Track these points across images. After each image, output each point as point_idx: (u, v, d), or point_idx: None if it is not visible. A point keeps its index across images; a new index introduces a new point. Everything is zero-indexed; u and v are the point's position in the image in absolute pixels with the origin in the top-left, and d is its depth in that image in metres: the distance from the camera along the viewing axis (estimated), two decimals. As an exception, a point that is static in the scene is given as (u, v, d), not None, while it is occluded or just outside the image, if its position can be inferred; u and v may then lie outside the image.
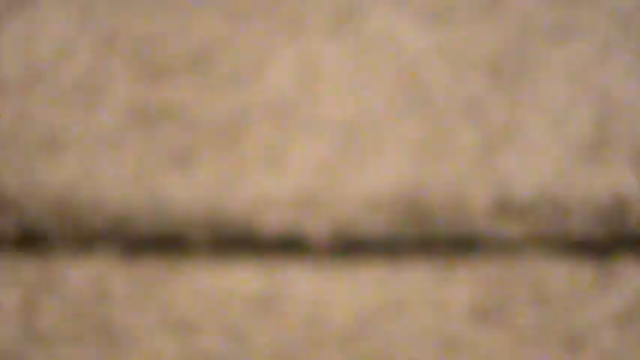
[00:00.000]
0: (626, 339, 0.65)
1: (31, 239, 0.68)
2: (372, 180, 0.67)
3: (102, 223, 0.67)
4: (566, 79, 0.69)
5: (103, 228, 0.68)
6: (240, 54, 0.71)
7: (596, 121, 0.69)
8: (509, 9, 0.72)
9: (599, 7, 0.72)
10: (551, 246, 0.67)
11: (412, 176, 0.67)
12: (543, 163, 0.67)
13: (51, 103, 0.69)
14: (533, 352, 0.65)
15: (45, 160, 0.68)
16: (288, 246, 0.68)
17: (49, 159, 0.68)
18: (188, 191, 0.67)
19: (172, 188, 0.67)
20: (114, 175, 0.68)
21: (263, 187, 0.67)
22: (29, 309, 0.66)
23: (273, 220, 0.67)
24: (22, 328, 0.65)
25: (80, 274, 0.67)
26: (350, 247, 0.67)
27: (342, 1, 0.71)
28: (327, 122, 0.69)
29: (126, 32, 0.72)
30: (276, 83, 0.70)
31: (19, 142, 0.68)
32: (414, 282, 0.66)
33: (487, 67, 0.70)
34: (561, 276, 0.66)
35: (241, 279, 0.66)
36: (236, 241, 0.67)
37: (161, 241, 0.67)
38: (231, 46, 0.71)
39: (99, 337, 0.65)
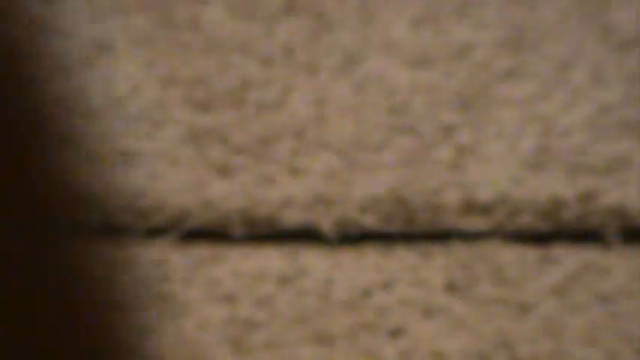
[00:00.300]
0: (563, 306, 0.62)
1: (110, 229, 0.69)
2: (370, 186, 0.66)
3: (164, 217, 0.66)
4: (517, 110, 0.69)
5: (164, 221, 0.66)
6: (269, 89, 0.70)
7: (540, 142, 0.67)
8: (474, 57, 0.70)
9: (543, 54, 0.70)
10: (506, 236, 0.65)
11: (400, 183, 0.66)
12: (500, 173, 0.67)
13: (126, 126, 0.69)
14: (492, 317, 0.62)
15: (121, 170, 0.67)
16: (305, 236, 0.66)
17: (125, 169, 0.67)
18: (229, 194, 0.66)
19: (217, 192, 0.66)
20: (173, 182, 0.66)
21: (286, 191, 0.66)
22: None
23: (293, 216, 0.66)
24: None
25: (147, 257, 0.65)
26: (352, 237, 0.66)
27: (347, 50, 0.71)
28: (335, 142, 0.68)
29: (182, 72, 0.71)
30: (296, 112, 0.69)
31: (102, 155, 0.66)
32: (401, 264, 0.65)
33: (458, 100, 0.69)
34: (513, 259, 0.65)
35: (269, 262, 0.65)
36: (265, 233, 0.66)
37: (208, 233, 0.66)
38: (262, 83, 0.70)
39: (161, 306, 0.63)
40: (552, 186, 0.66)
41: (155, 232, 0.66)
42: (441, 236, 0.66)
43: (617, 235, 0.65)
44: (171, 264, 0.65)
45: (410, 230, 0.66)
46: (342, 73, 0.70)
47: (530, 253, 0.65)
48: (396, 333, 0.62)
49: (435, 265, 0.65)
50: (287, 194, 0.66)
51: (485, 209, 0.66)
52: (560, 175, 0.66)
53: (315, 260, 0.65)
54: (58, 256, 0.69)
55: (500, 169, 0.67)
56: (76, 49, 0.71)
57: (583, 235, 0.65)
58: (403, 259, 0.65)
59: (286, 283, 0.64)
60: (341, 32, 0.72)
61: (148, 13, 0.73)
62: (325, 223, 0.65)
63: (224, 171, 0.67)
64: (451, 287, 0.64)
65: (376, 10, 0.72)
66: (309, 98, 0.69)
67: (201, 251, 0.66)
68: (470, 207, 0.66)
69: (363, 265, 0.65)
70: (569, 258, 0.64)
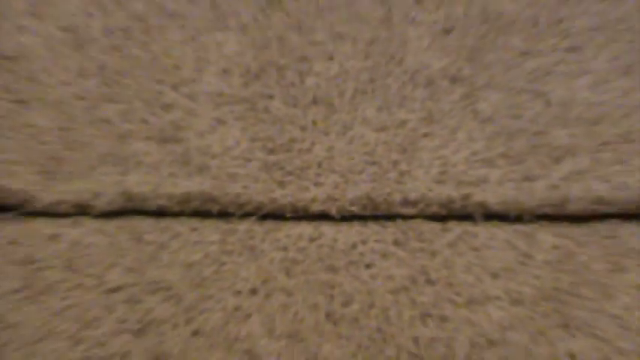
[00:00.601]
0: (453, 252, 0.68)
1: (224, 214, 0.71)
2: (355, 191, 0.72)
3: (251, 207, 0.71)
4: (430, 153, 0.73)
5: (251, 209, 0.70)
6: (304, 143, 0.73)
7: (442, 169, 0.72)
8: (408, 126, 0.73)
9: (444, 125, 0.72)
10: (424, 217, 0.71)
11: (370, 190, 0.71)
12: (421, 185, 0.71)
13: (229, 162, 0.72)
14: (417, 258, 0.69)
15: (229, 184, 0.69)
16: (324, 216, 0.72)
17: (231, 183, 0.69)
18: (284, 196, 0.71)
19: (278, 194, 0.71)
20: (255, 189, 0.70)
21: (313, 194, 0.71)
22: (222, 243, 0.69)
23: (317, 207, 0.71)
24: (218, 251, 0.69)
25: (242, 228, 0.70)
26: (347, 217, 0.72)
27: (344, 122, 0.74)
28: (338, 169, 0.72)
29: (260, 134, 0.73)
30: (318, 154, 0.73)
31: (219, 177, 0.70)
32: (371, 231, 0.71)
33: (400, 148, 0.73)
34: (428, 229, 0.70)
35: (305, 229, 0.71)
36: (302, 215, 0.71)
37: (273, 215, 0.71)
38: (300, 140, 0.73)
39: (248, 254, 0.68)
40: (447, 192, 0.71)
41: (246, 215, 0.72)
42: (391, 217, 0.71)
43: (481, 217, 0.70)
44: (255, 232, 0.71)
45: (375, 214, 0.71)
46: (341, 134, 0.73)
47: (436, 226, 0.71)
48: (368, 266, 0.69)
49: (388, 231, 0.71)
50: (314, 196, 0.71)
51: (414, 203, 0.71)
52: (452, 186, 0.71)
53: (328, 229, 0.71)
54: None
55: (421, 183, 0.71)
56: (204, 124, 0.73)
57: (464, 216, 0.70)
58: (372, 228, 0.71)
59: (313, 240, 0.70)
60: (341, 113, 0.74)
61: (242, 104, 0.74)
62: (333, 210, 0.71)
63: (282, 184, 0.71)
64: (397, 243, 0.70)
65: (358, 102, 0.74)
66: (325, 147, 0.73)
67: (269, 224, 0.71)
68: (406, 202, 0.71)
69: (352, 232, 0.71)
70: (456, 229, 0.70)
